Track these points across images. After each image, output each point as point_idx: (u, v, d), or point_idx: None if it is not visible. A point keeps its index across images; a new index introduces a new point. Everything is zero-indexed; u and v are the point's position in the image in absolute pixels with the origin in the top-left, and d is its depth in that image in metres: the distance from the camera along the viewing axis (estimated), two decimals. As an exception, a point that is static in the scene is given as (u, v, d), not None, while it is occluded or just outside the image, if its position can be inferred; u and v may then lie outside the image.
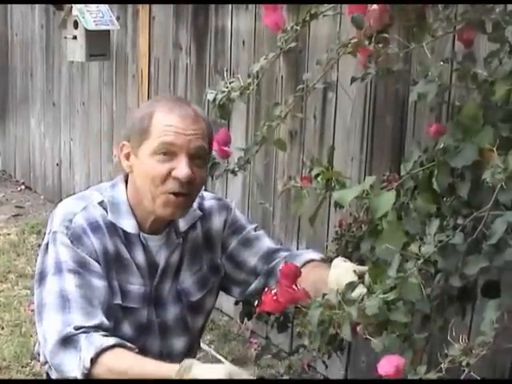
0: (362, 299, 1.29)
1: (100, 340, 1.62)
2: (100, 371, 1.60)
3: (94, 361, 1.59)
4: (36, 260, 1.84)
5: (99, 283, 1.72)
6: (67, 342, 1.65)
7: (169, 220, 1.80)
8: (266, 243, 1.94)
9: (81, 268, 1.72)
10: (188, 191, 1.72)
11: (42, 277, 1.75)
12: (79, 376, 1.61)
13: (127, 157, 1.77)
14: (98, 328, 1.67)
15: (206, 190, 2.04)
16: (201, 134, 1.72)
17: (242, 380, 1.45)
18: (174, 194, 1.70)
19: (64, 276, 1.71)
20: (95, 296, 1.71)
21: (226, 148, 1.69)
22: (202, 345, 2.44)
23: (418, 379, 1.19)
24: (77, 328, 1.65)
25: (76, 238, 1.73)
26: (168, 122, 1.70)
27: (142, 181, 1.74)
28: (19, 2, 5.26)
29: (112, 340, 1.63)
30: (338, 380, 2.86)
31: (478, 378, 1.17)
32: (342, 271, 1.58)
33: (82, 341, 1.63)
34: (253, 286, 1.90)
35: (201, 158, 1.73)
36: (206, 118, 1.78)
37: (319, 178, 1.50)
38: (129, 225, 1.78)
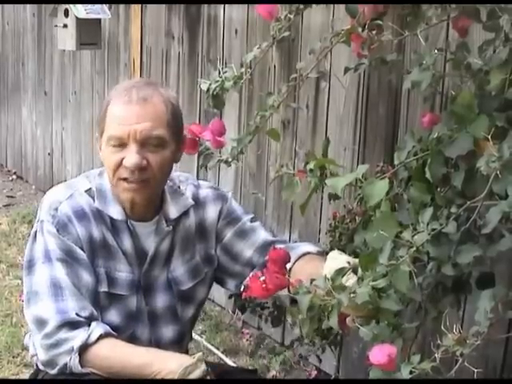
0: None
1: (105, 326, 1.71)
2: (102, 349, 1.68)
3: (101, 338, 1.67)
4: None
5: (85, 272, 1.75)
6: (69, 324, 1.68)
7: (143, 205, 1.79)
8: (262, 235, 1.93)
9: (68, 257, 1.74)
10: (142, 177, 1.73)
11: (31, 265, 1.77)
12: (76, 346, 1.66)
13: (100, 147, 1.82)
14: (90, 319, 1.71)
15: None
16: (149, 119, 1.71)
17: (240, 380, 1.44)
18: (126, 180, 1.73)
19: (53, 264, 1.73)
20: (82, 285, 1.74)
21: (220, 138, 1.67)
22: (193, 335, 2.43)
23: (408, 379, 1.18)
24: (77, 314, 1.70)
25: (62, 227, 1.75)
26: (115, 113, 1.73)
27: (106, 170, 1.79)
28: (11, 2, 5.23)
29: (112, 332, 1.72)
30: (338, 380, 2.85)
31: (471, 368, 1.16)
32: (337, 263, 1.55)
33: (91, 324, 1.70)
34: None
35: (153, 143, 1.72)
36: (165, 98, 1.76)
37: (312, 166, 1.48)
38: (115, 211, 1.79)
